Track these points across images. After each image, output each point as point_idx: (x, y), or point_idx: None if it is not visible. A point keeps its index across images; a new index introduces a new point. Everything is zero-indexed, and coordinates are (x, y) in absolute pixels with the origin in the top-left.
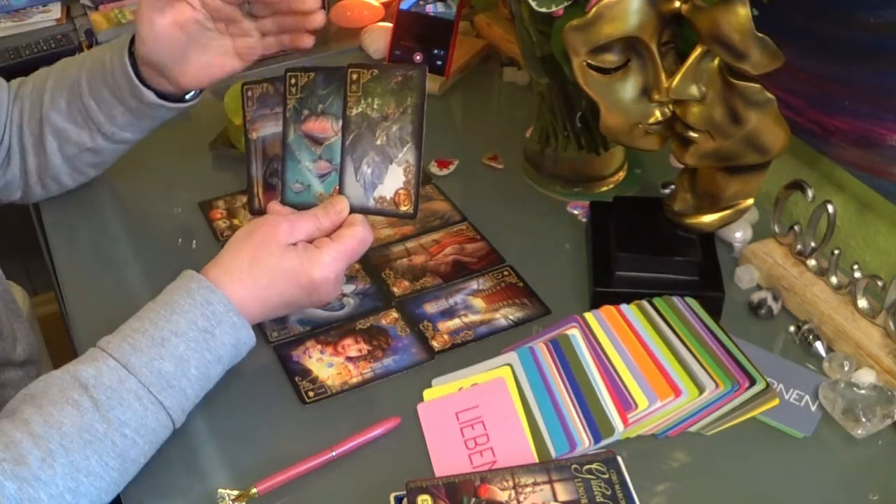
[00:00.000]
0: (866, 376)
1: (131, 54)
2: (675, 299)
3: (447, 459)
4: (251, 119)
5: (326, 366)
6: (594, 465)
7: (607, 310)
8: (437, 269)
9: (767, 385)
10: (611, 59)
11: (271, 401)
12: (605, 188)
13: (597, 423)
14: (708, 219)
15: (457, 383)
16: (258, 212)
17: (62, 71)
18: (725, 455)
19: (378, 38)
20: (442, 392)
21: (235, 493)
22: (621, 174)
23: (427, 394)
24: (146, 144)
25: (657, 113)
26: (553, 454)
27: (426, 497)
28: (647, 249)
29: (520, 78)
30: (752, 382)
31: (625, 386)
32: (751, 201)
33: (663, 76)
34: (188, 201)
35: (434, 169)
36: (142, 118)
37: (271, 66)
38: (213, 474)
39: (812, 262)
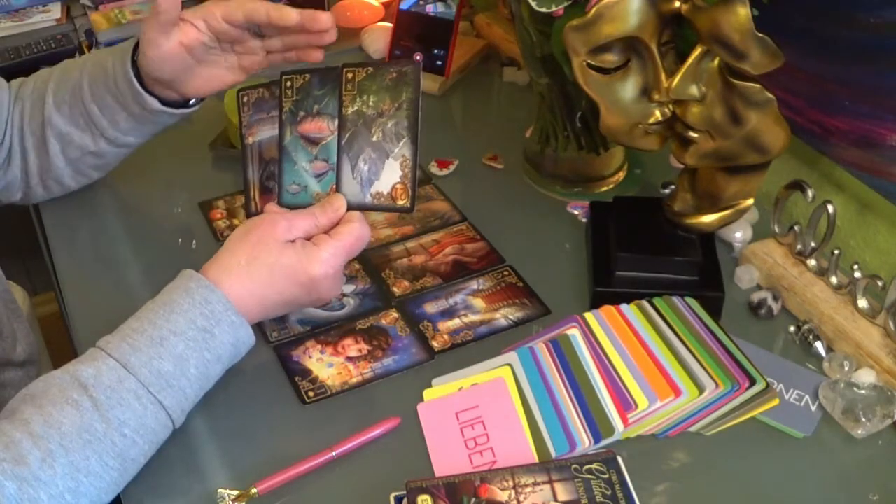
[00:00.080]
0: (866, 376)
1: (134, 62)
2: (675, 299)
3: (447, 459)
4: (247, 124)
5: (326, 366)
6: (594, 465)
7: (607, 310)
8: (437, 269)
9: (767, 385)
10: (611, 59)
11: (271, 401)
12: (605, 188)
13: (597, 423)
14: (708, 219)
15: (457, 383)
16: (255, 216)
17: (63, 74)
18: (725, 455)
19: (378, 38)
20: (442, 392)
21: (235, 493)
22: (621, 174)
23: (427, 394)
24: (146, 145)
25: (657, 113)
26: (553, 454)
27: (426, 497)
28: (647, 249)
29: (520, 78)
30: (752, 382)
31: (625, 386)
32: (751, 201)
33: (663, 76)
34: (188, 201)
35: (434, 169)
36: (145, 123)
37: (266, 71)
38: (213, 474)
39: (812, 262)
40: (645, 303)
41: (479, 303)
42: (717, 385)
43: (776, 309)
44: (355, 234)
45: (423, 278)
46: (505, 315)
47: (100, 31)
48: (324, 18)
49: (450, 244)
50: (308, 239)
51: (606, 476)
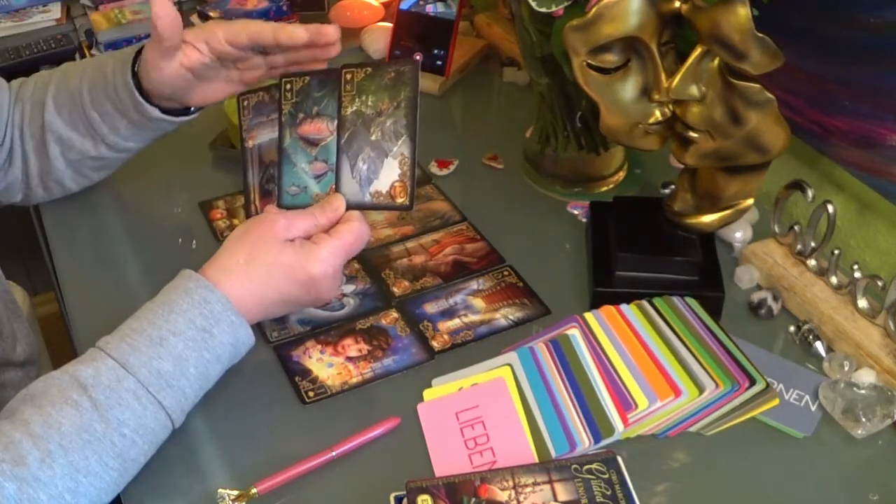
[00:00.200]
0: (866, 376)
1: (134, 72)
2: (675, 299)
3: (447, 459)
4: (247, 128)
5: (326, 366)
6: (594, 465)
7: (607, 310)
8: (437, 269)
9: (767, 385)
10: (611, 59)
11: (271, 401)
12: (605, 188)
13: (597, 423)
14: (708, 219)
15: (457, 383)
16: None
17: (63, 78)
18: (725, 455)
19: (378, 38)
20: (442, 392)
21: (235, 493)
22: (621, 174)
23: (427, 394)
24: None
25: (657, 113)
26: (553, 454)
27: (426, 497)
28: (647, 249)
29: (520, 78)
30: (752, 382)
31: (625, 386)
32: (751, 201)
33: (663, 76)
34: (188, 201)
35: (434, 169)
36: (145, 130)
37: None
38: (213, 474)
39: (812, 262)
40: (645, 303)
41: (479, 303)
42: (717, 385)
43: (776, 309)
44: (355, 232)
45: (423, 278)
46: (505, 315)
47: (100, 31)
48: (330, 32)
49: (450, 244)
50: (307, 238)
51: (606, 476)
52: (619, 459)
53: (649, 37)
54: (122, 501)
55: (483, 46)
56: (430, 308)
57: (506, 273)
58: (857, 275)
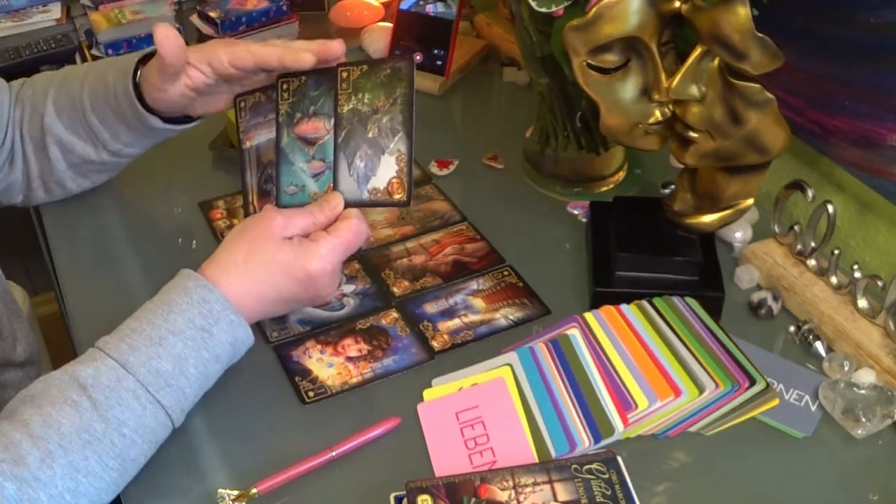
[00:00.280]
0: (866, 376)
1: (135, 83)
2: (675, 299)
3: (447, 459)
4: (245, 129)
5: (326, 366)
6: (594, 465)
7: (607, 310)
8: (437, 269)
9: (767, 385)
10: (611, 59)
11: (271, 401)
12: (605, 188)
13: (597, 423)
14: (708, 219)
15: (457, 383)
16: None
17: (64, 83)
18: (725, 455)
19: (378, 38)
20: (442, 392)
21: (235, 493)
22: (621, 174)
23: (427, 394)
24: None
25: (657, 113)
26: (553, 454)
27: (426, 497)
28: (647, 249)
29: (520, 78)
30: (752, 382)
31: (625, 386)
32: (751, 201)
33: (663, 76)
34: (188, 201)
35: (434, 169)
36: (146, 137)
37: None
38: (213, 474)
39: (812, 262)
40: (645, 303)
41: (479, 303)
42: (717, 385)
43: (776, 309)
44: (353, 230)
45: (423, 278)
46: (505, 315)
47: (100, 31)
48: (335, 47)
49: (450, 244)
50: (306, 237)
51: (606, 476)
52: (619, 459)
53: (649, 37)
54: (122, 501)
55: (483, 46)
56: (430, 308)
57: (506, 273)
58: (857, 275)
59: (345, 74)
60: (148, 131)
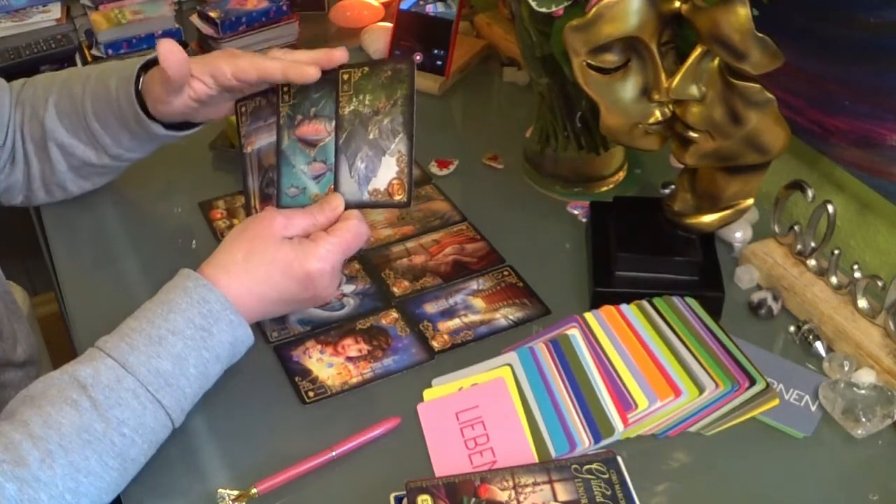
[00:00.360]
0: (866, 376)
1: (137, 91)
2: (675, 299)
3: (447, 459)
4: (246, 133)
5: (326, 366)
6: (594, 465)
7: (607, 310)
8: (437, 269)
9: (767, 385)
10: (611, 59)
11: (271, 401)
12: (605, 188)
13: (597, 423)
14: (708, 219)
15: (457, 383)
16: None
17: (65, 86)
18: (725, 455)
19: (378, 38)
20: (442, 392)
21: (235, 493)
22: (621, 174)
23: (427, 394)
24: None
25: (657, 113)
26: (553, 454)
27: (426, 497)
28: (647, 249)
29: (520, 78)
30: (752, 382)
31: (625, 386)
32: (751, 201)
33: (663, 76)
34: (188, 201)
35: (434, 169)
36: (148, 142)
37: None
38: (213, 474)
39: (812, 262)
40: (645, 303)
41: (479, 303)
42: (717, 385)
43: (776, 309)
44: (353, 231)
45: (423, 278)
46: (505, 315)
47: (100, 31)
48: (338, 56)
49: (450, 244)
50: (306, 237)
51: (606, 476)
52: (619, 459)
53: (649, 37)
54: (122, 501)
55: (483, 46)
56: (430, 308)
57: (506, 273)
58: (857, 275)
59: (346, 76)
60: (150, 137)
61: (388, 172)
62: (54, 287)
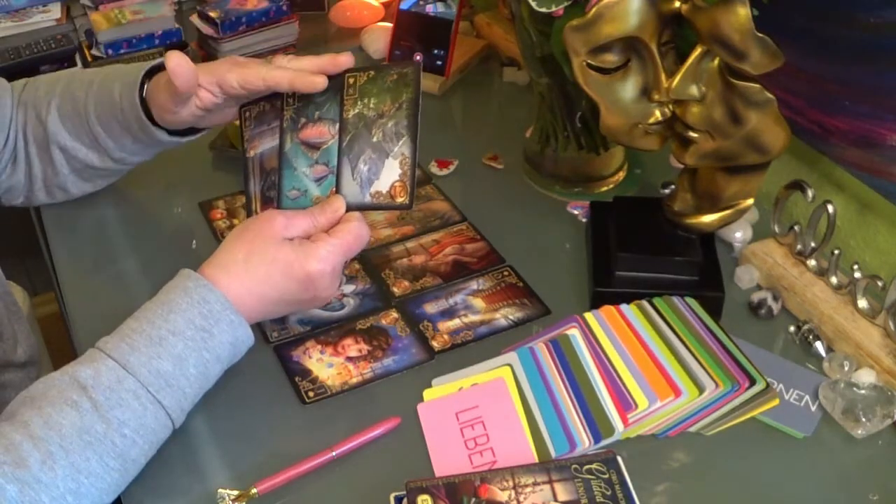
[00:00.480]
0: (866, 376)
1: (142, 98)
2: (675, 299)
3: (447, 459)
4: (249, 138)
5: (326, 366)
6: (594, 465)
7: (607, 310)
8: (437, 269)
9: (767, 385)
10: (611, 59)
11: (271, 401)
12: (605, 188)
13: (597, 423)
14: (708, 219)
15: (457, 383)
16: None
17: (67, 89)
18: (725, 455)
19: (378, 38)
20: (442, 392)
21: (235, 493)
22: (621, 174)
23: (427, 394)
24: None
25: (657, 113)
26: (553, 454)
27: (426, 497)
28: (647, 249)
29: (520, 78)
30: (752, 382)
31: (625, 386)
32: (751, 201)
33: (663, 76)
34: (188, 201)
35: (434, 169)
36: (151, 147)
37: None
38: (213, 474)
39: (812, 262)
40: (645, 303)
41: (479, 303)
42: (717, 385)
43: (776, 309)
44: (354, 232)
45: (423, 278)
46: (505, 315)
47: (100, 31)
48: (344, 62)
49: (450, 244)
50: (307, 239)
51: (606, 476)
52: (619, 459)
53: (649, 37)
54: (123, 502)
55: (483, 46)
56: (430, 308)
57: (506, 273)
58: (857, 275)
59: (351, 80)
60: (153, 143)
61: (390, 175)
62: (54, 287)
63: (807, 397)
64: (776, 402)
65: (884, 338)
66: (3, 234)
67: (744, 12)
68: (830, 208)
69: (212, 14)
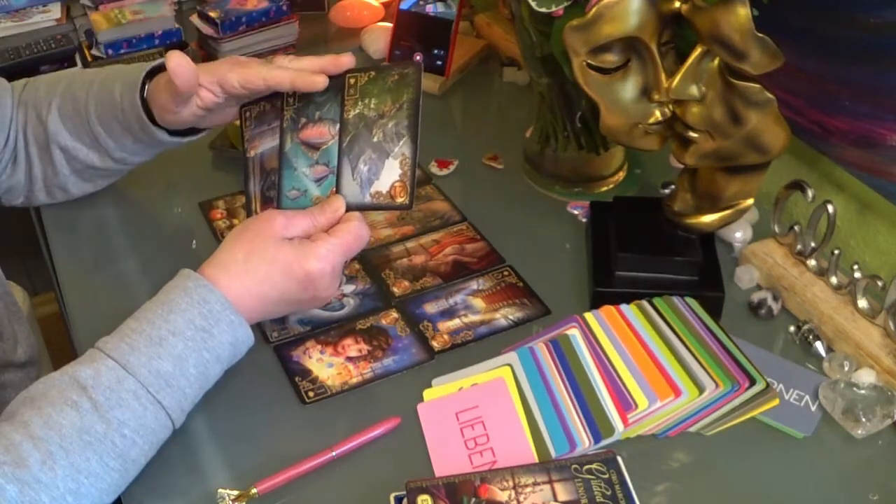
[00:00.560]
0: (866, 376)
1: (143, 98)
2: (675, 299)
3: (447, 459)
4: (249, 138)
5: (326, 366)
6: (594, 465)
7: (607, 310)
8: (437, 269)
9: (767, 385)
10: (611, 59)
11: (271, 401)
12: (605, 188)
13: (597, 423)
14: (708, 219)
15: (457, 383)
16: None
17: (68, 89)
18: (725, 455)
19: (378, 38)
20: (442, 392)
21: (235, 493)
22: (621, 174)
23: (427, 394)
24: None
25: (657, 113)
26: (553, 454)
27: (426, 497)
28: (647, 249)
29: (520, 78)
30: (752, 382)
31: (625, 386)
32: (751, 201)
33: (663, 76)
34: (188, 201)
35: (434, 169)
36: (152, 147)
37: None
38: (213, 474)
39: (812, 262)
40: (645, 303)
41: (479, 303)
42: (717, 385)
43: (776, 309)
44: (354, 232)
45: (423, 278)
46: (505, 315)
47: (100, 31)
48: (345, 62)
49: (450, 244)
50: (307, 239)
51: (606, 476)
52: (619, 459)
53: (649, 37)
54: (123, 502)
55: (483, 46)
56: (430, 308)
57: (506, 273)
58: (857, 275)
59: (352, 81)
60: (154, 143)
61: (390, 175)
62: (54, 287)
63: (807, 397)
64: (776, 402)
65: (884, 338)
66: (3, 234)
67: (744, 12)
68: (830, 208)
69: (212, 14)
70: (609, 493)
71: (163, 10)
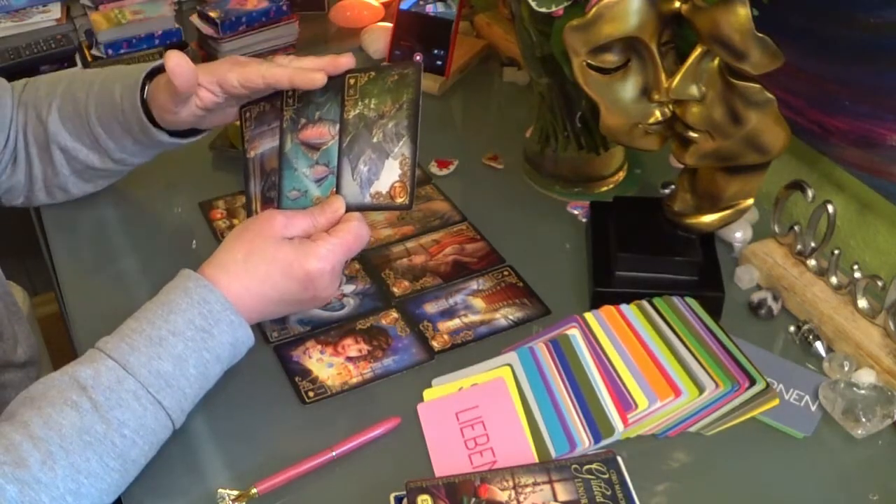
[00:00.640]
0: (866, 376)
1: (143, 100)
2: (675, 299)
3: (447, 459)
4: (249, 138)
5: (326, 366)
6: (594, 465)
7: (607, 310)
8: (437, 269)
9: (767, 385)
10: (611, 59)
11: (271, 401)
12: (605, 188)
13: (597, 423)
14: (708, 219)
15: (457, 383)
16: None
17: (68, 90)
18: (725, 455)
19: (378, 38)
20: (442, 392)
21: (235, 493)
22: (621, 174)
23: (427, 394)
24: None
25: (657, 113)
26: (553, 454)
27: (426, 497)
28: (647, 249)
29: (520, 78)
30: (752, 382)
31: (625, 386)
32: (751, 201)
33: (663, 76)
34: (188, 201)
35: (434, 169)
36: (152, 148)
37: None
38: (213, 474)
39: (812, 262)
40: (645, 303)
41: (479, 303)
42: (717, 385)
43: (776, 309)
44: (354, 232)
45: (423, 278)
46: (505, 315)
47: (100, 31)
48: (345, 62)
49: (450, 244)
50: (307, 238)
51: (606, 476)
52: (619, 459)
53: (649, 37)
54: (123, 502)
55: (483, 46)
56: (430, 308)
57: (506, 273)
58: (857, 275)
59: (352, 81)
60: (154, 144)
61: (390, 175)
62: (54, 287)
63: (807, 397)
64: (776, 402)
65: (884, 338)
66: (3, 234)
67: (744, 12)
68: (830, 208)
69: (212, 14)
70: (609, 493)
71: (163, 10)
